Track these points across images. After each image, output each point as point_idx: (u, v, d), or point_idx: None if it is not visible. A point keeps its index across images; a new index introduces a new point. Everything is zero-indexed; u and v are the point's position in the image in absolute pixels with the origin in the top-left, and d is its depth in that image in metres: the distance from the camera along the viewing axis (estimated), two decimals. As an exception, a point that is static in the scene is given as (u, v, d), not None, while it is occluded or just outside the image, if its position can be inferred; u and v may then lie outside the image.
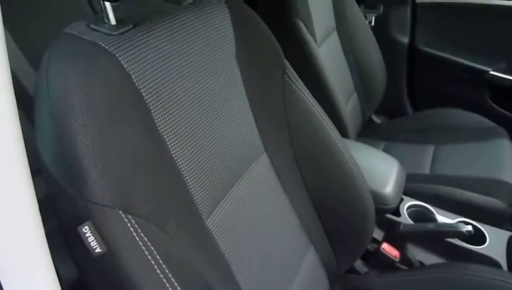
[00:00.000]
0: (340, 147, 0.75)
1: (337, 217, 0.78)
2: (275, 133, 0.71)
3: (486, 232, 0.96)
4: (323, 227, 0.78)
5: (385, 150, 1.29)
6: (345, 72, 1.27)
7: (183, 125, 0.54)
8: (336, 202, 0.77)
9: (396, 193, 0.90)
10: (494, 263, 0.93)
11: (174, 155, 0.52)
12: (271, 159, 0.71)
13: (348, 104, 1.26)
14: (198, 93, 0.58)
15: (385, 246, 0.94)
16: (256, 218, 0.65)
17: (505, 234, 0.98)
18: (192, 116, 0.56)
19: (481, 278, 0.84)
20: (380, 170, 0.93)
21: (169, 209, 0.49)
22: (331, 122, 0.77)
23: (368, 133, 1.41)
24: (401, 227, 0.92)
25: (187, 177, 0.53)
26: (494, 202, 1.06)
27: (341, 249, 0.81)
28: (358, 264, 0.95)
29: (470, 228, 0.91)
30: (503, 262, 0.93)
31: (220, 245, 0.58)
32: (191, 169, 0.54)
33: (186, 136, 0.54)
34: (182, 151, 0.53)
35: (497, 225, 0.99)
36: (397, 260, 0.95)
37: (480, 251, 0.92)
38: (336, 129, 0.77)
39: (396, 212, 0.96)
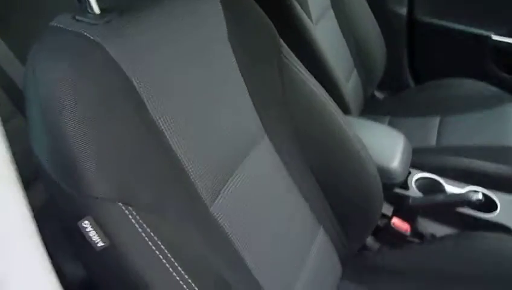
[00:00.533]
0: (342, 125, 0.74)
1: (344, 196, 0.77)
2: (275, 116, 0.70)
3: (497, 199, 0.95)
4: (331, 207, 0.77)
5: (390, 125, 1.27)
6: (343, 50, 1.25)
7: (179, 114, 0.53)
8: (342, 181, 0.76)
9: (403, 167, 0.88)
10: (506, 230, 0.92)
11: (172, 144, 0.51)
12: (272, 142, 0.70)
13: (349, 82, 1.24)
14: (192, 80, 0.57)
15: (395, 221, 0.93)
16: (261, 202, 0.64)
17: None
18: (187, 104, 0.55)
19: (494, 246, 0.83)
20: (385, 145, 0.91)
21: (171, 198, 0.48)
22: (332, 100, 0.75)
23: (371, 110, 1.39)
24: (410, 200, 0.90)
25: (187, 166, 0.53)
26: (504, 169, 1.04)
27: (351, 227, 0.80)
28: (369, 240, 0.94)
29: (480, 196, 0.89)
30: None
31: (227, 231, 0.57)
32: (190, 157, 0.53)
33: (182, 124, 0.53)
34: (180, 139, 0.52)
35: (508, 192, 0.98)
36: (408, 233, 0.94)
37: (491, 219, 0.91)
38: (337, 107, 0.75)
39: (405, 186, 0.95)
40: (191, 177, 0.53)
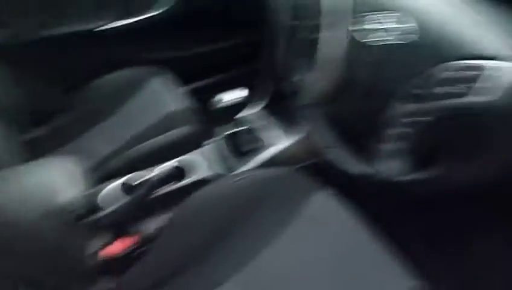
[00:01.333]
0: None
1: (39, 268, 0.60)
2: None
3: (184, 162, 0.98)
4: None
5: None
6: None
7: None
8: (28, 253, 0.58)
9: (78, 193, 0.76)
10: (215, 177, 0.97)
11: None
12: None
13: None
14: None
15: (116, 247, 0.82)
16: None
17: (199, 153, 1.03)
18: None
19: (208, 199, 0.84)
20: (52, 180, 0.75)
21: None
22: None
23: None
24: (103, 221, 0.80)
25: None
26: (177, 133, 1.06)
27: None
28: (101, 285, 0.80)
29: (168, 168, 0.90)
30: (220, 170, 0.97)
31: None
32: None
33: None
34: None
35: (187, 152, 1.02)
36: (139, 245, 0.87)
37: (190, 182, 0.94)
38: None
39: (97, 209, 0.84)
40: None
